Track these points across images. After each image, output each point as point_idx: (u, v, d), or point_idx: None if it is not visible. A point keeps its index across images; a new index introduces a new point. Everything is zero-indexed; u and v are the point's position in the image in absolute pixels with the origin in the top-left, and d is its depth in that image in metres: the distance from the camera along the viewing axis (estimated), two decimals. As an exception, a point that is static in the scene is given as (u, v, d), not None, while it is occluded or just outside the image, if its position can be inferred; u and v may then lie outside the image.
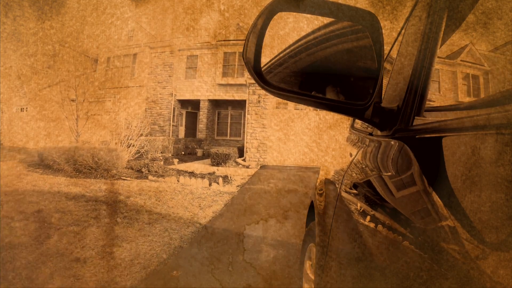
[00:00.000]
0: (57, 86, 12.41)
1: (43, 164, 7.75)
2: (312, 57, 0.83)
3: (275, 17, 0.74)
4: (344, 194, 0.95)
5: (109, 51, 13.05)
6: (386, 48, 0.79)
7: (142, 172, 7.69)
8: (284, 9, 0.74)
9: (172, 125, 12.47)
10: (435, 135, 0.61)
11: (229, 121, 13.11)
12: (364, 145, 0.97)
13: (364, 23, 0.76)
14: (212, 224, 3.90)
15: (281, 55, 0.85)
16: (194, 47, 12.74)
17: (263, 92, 10.08)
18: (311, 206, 1.45)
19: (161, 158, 9.27)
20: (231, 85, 12.33)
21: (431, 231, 0.51)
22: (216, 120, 13.19)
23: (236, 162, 9.38)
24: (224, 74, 12.35)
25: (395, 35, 1.16)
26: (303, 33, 0.86)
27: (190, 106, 13.30)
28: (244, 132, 11.82)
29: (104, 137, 10.67)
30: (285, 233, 3.56)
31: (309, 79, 0.83)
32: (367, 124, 0.97)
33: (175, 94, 12.74)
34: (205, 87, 12.60)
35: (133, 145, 8.70)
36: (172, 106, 12.54)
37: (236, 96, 12.26)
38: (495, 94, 0.61)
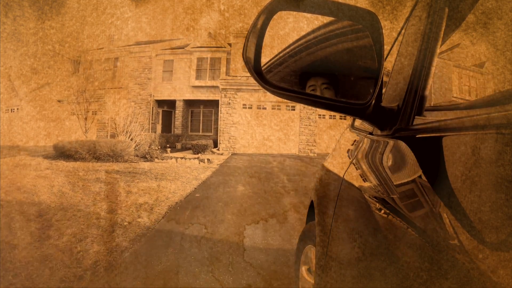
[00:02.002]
0: (57, 86, 13.05)
1: (63, 155, 9.57)
2: (312, 56, 0.83)
3: (275, 16, 0.74)
4: (344, 194, 0.95)
5: (91, 55, 14.38)
6: (386, 48, 0.79)
7: (146, 158, 10.13)
8: (284, 8, 0.74)
9: (151, 123, 14.24)
10: (435, 135, 0.61)
11: (201, 118, 15.18)
12: (364, 145, 0.97)
13: (364, 22, 0.76)
14: (207, 180, 6.83)
15: (281, 54, 0.85)
16: (170, 52, 14.54)
17: (233, 95, 12.82)
18: (311, 206, 1.45)
19: (155, 148, 11.47)
20: (203, 87, 14.34)
21: (431, 231, 0.51)
22: (189, 118, 15.12)
23: (212, 151, 12.15)
24: (197, 77, 14.37)
25: (395, 35, 1.16)
26: (303, 33, 0.86)
27: (166, 105, 14.96)
28: (214, 128, 14.51)
29: (105, 132, 12.88)
30: (249, 183, 6.62)
31: (309, 79, 0.83)
32: (367, 123, 0.97)
33: (153, 95, 14.49)
34: (180, 89, 14.48)
35: (135, 139, 10.92)
36: (151, 106, 14.29)
37: (208, 96, 14.27)
38: (495, 94, 0.61)
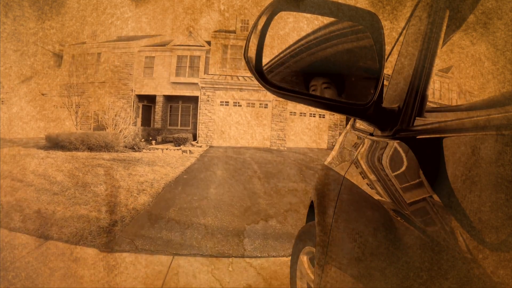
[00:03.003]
0: (41, 79, 13.53)
1: (57, 146, 10.19)
2: (313, 57, 0.83)
3: (276, 17, 0.74)
4: (344, 194, 0.95)
5: (74, 49, 14.86)
6: (387, 48, 0.79)
7: (134, 149, 11.10)
8: (284, 9, 0.75)
9: (134, 117, 14.93)
10: (436, 136, 0.61)
11: (179, 113, 15.90)
12: (365, 146, 0.97)
13: (364, 23, 0.76)
14: (191, 166, 8.09)
15: (282, 54, 0.85)
16: (151, 49, 15.20)
17: (211, 93, 13.86)
18: (311, 206, 1.45)
19: (141, 140, 12.40)
20: (182, 83, 15.07)
21: (431, 231, 0.51)
22: (168, 112, 15.85)
23: (192, 144, 13.26)
24: (177, 74, 15.09)
25: (395, 35, 1.16)
26: (303, 33, 0.86)
27: (146, 100, 15.60)
28: (191, 122, 15.61)
29: (88, 125, 13.66)
30: (226, 169, 7.96)
31: (310, 79, 0.83)
32: (367, 124, 0.98)
33: (134, 90, 15.10)
34: (160, 84, 15.18)
35: (123, 132, 11.92)
36: (132, 101, 14.93)
37: (187, 92, 15.07)
38: (495, 94, 0.61)
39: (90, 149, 10.07)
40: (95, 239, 3.31)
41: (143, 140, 12.74)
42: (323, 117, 15.31)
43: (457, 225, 0.46)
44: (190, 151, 11.41)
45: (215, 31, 14.97)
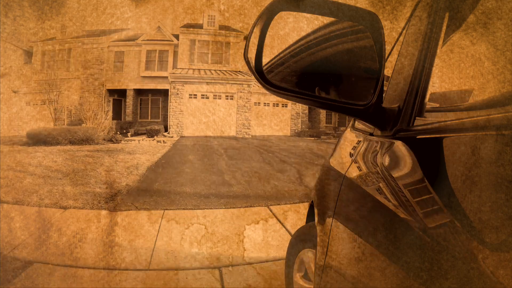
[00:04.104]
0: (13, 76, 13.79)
1: (40, 142, 10.44)
2: (313, 57, 0.83)
3: (276, 17, 0.74)
4: (344, 194, 0.95)
5: (44, 46, 15.03)
6: (387, 48, 0.79)
7: (113, 141, 11.77)
8: (284, 9, 0.74)
9: (106, 111, 15.35)
10: (436, 136, 0.61)
11: (149, 106, 16.39)
12: (365, 145, 0.97)
13: (364, 23, 0.76)
14: (166, 153, 9.10)
15: (282, 54, 0.85)
16: (121, 44, 15.61)
17: (181, 86, 14.63)
18: (311, 206, 1.45)
19: (117, 133, 13.21)
20: (152, 77, 15.60)
21: (431, 231, 0.51)
22: (139, 106, 16.38)
23: (164, 135, 13.99)
24: (147, 68, 15.58)
25: (395, 35, 1.16)
26: (303, 33, 0.86)
27: (116, 94, 15.88)
28: (161, 114, 16.18)
29: (62, 121, 13.93)
30: (196, 154, 9.16)
31: (310, 79, 0.83)
32: (367, 124, 0.97)
33: (105, 85, 15.43)
34: (130, 79, 15.67)
35: (101, 126, 12.64)
36: (103, 95, 15.26)
37: (156, 86, 15.59)
38: (495, 94, 0.61)
39: (72, 143, 10.64)
40: (104, 205, 4.41)
41: (118, 133, 13.56)
42: (286, 107, 16.50)
43: (457, 225, 0.46)
44: (163, 141, 12.50)
45: (183, 26, 15.46)
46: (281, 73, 0.82)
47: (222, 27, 16.21)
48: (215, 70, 15.63)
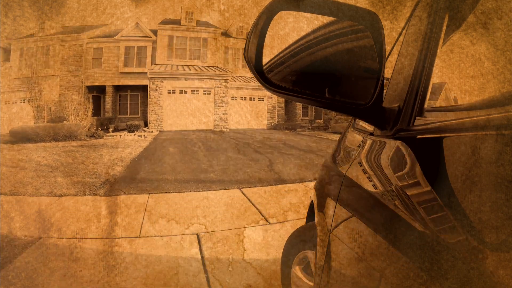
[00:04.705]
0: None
1: (23, 139, 10.67)
2: (313, 56, 0.83)
3: (275, 17, 0.74)
4: (344, 194, 0.95)
5: (22, 43, 15.02)
6: (387, 48, 0.79)
7: (95, 137, 12.22)
8: (284, 8, 0.74)
9: (86, 108, 15.46)
10: (436, 136, 0.61)
11: (128, 102, 16.60)
12: (365, 145, 0.97)
13: (365, 22, 0.76)
14: (147, 147, 9.58)
15: (282, 54, 0.85)
16: (99, 40, 15.68)
17: (160, 82, 14.94)
18: (311, 207, 1.45)
19: (99, 129, 13.46)
20: (130, 73, 15.80)
21: (431, 231, 0.51)
22: (118, 102, 16.53)
23: (144, 130, 14.45)
24: (125, 64, 15.78)
25: (395, 35, 1.16)
26: (303, 33, 0.86)
27: (95, 91, 16.02)
28: (140, 110, 16.55)
29: (43, 118, 14.08)
30: (176, 147, 9.72)
31: (310, 78, 0.83)
32: (368, 123, 0.97)
33: (84, 82, 15.54)
34: (109, 75, 15.78)
35: (83, 123, 12.88)
36: (83, 92, 15.39)
37: (135, 82, 15.80)
38: (495, 94, 0.61)
39: (56, 139, 10.91)
40: (95, 192, 4.90)
41: (100, 129, 13.86)
42: (262, 101, 17.16)
43: (457, 225, 0.46)
44: (144, 136, 13.07)
45: (161, 22, 15.60)
46: (281, 73, 0.82)
47: (200, 23, 16.38)
48: (193, 66, 15.97)
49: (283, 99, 18.22)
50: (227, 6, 15.88)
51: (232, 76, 16.63)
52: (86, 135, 12.13)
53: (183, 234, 3.35)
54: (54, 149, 9.23)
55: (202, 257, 2.88)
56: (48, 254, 2.95)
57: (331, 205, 1.05)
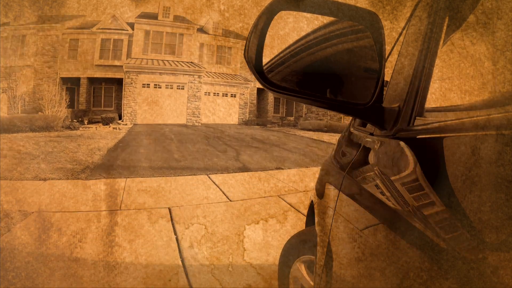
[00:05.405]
0: None
1: (1, 129, 10.91)
2: (313, 56, 0.83)
3: (275, 17, 0.74)
4: (344, 194, 0.95)
5: None
6: (387, 48, 0.79)
7: (71, 128, 12.57)
8: (284, 8, 0.74)
9: (61, 99, 15.55)
10: (436, 136, 0.61)
11: (102, 95, 16.69)
12: (365, 145, 0.97)
13: (365, 22, 0.76)
14: (123, 138, 10.14)
15: (282, 54, 0.85)
16: (75, 32, 15.67)
17: (135, 76, 15.22)
18: (311, 207, 1.45)
19: (74, 121, 13.81)
20: (106, 65, 15.91)
21: (431, 231, 0.51)
22: (92, 94, 16.65)
23: (118, 123, 14.84)
24: (101, 57, 15.85)
25: (395, 35, 1.16)
26: (303, 33, 0.86)
27: (70, 83, 16.01)
28: (114, 103, 16.78)
29: (17, 109, 14.16)
30: (150, 138, 10.45)
31: (310, 78, 0.83)
32: (368, 123, 0.97)
33: (59, 73, 15.54)
34: (84, 67, 15.82)
35: (59, 114, 13.23)
36: (57, 83, 15.31)
37: (110, 74, 15.93)
38: (495, 94, 0.61)
39: (33, 130, 11.16)
40: (77, 176, 5.33)
41: (75, 120, 14.14)
42: (235, 97, 17.51)
43: (457, 225, 0.46)
44: (119, 128, 13.52)
45: (138, 16, 15.64)
46: (281, 73, 0.82)
47: (176, 19, 16.39)
48: (168, 60, 16.12)
49: (255, 96, 18.53)
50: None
51: (206, 72, 16.84)
52: (62, 127, 12.45)
53: (157, 208, 3.98)
54: (33, 139, 9.46)
55: (174, 228, 3.45)
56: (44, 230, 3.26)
57: (331, 205, 1.05)
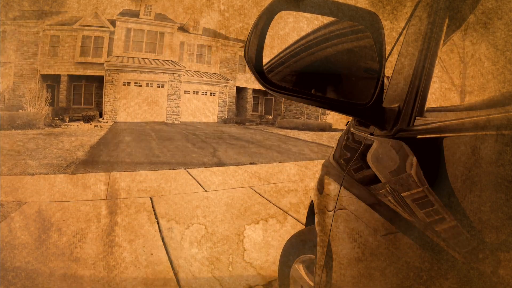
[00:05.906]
0: None
1: None
2: (313, 56, 0.83)
3: (275, 17, 0.74)
4: (344, 194, 0.95)
5: None
6: (387, 48, 0.79)
7: (53, 126, 12.77)
8: (284, 8, 0.74)
9: (42, 97, 15.59)
10: (436, 136, 0.61)
11: (83, 92, 16.87)
12: (365, 145, 0.97)
13: (365, 22, 0.76)
14: (104, 135, 10.49)
15: (282, 54, 0.85)
16: (56, 28, 15.59)
17: (116, 74, 15.32)
18: (311, 207, 1.45)
19: (55, 119, 14.07)
20: (87, 63, 15.96)
21: (431, 231, 0.51)
22: (72, 92, 16.77)
23: (99, 120, 15.05)
24: (82, 54, 15.91)
25: (395, 35, 1.16)
26: (303, 33, 0.86)
27: (50, 80, 15.99)
28: (94, 101, 16.98)
29: None
30: (131, 136, 10.90)
31: (310, 78, 0.83)
32: (368, 123, 0.97)
33: (39, 70, 15.54)
34: (65, 64, 15.83)
35: (41, 112, 13.29)
36: (38, 80, 15.38)
37: (90, 72, 15.97)
38: (495, 94, 0.61)
39: (14, 127, 11.30)
40: (64, 171, 5.60)
41: (56, 118, 14.26)
42: (214, 95, 17.81)
43: (457, 225, 0.46)
44: (100, 126, 13.69)
45: (119, 14, 15.65)
46: (281, 73, 0.82)
47: (157, 17, 16.38)
48: (148, 59, 16.20)
49: (234, 94, 18.60)
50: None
51: (186, 70, 16.87)
52: (44, 124, 12.58)
53: (139, 197, 4.36)
54: (16, 136, 9.66)
55: (155, 211, 3.86)
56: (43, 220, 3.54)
57: (331, 204, 1.05)
